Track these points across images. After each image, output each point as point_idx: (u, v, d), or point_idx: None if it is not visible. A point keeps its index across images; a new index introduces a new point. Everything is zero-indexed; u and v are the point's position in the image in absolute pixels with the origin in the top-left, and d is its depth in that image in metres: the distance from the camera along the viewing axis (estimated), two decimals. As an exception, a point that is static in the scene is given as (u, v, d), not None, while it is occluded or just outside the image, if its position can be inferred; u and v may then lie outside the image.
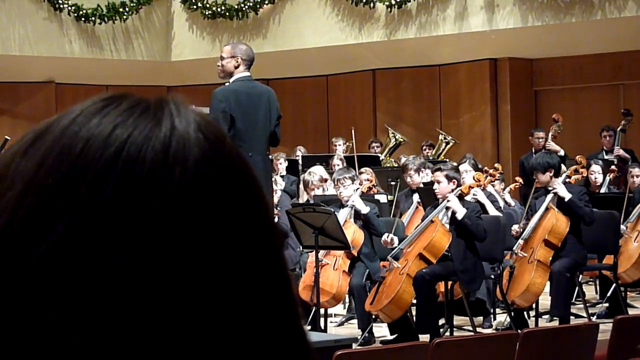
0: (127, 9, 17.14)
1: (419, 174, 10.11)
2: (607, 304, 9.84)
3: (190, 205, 0.76)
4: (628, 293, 10.44)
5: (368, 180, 10.35)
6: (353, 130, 14.31)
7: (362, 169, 11.03)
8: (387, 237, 8.94)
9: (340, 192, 9.15)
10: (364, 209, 9.04)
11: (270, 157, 8.57)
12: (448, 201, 8.70)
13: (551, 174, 9.17)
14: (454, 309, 8.86)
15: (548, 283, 9.12)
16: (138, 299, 0.74)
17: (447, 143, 15.26)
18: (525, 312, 9.41)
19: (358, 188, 9.30)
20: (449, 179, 8.78)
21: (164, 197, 0.75)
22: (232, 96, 7.65)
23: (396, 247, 8.95)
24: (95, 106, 0.79)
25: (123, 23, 17.25)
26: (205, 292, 0.76)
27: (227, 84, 7.99)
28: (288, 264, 0.85)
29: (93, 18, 16.91)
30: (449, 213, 8.74)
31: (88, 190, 0.75)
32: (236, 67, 7.79)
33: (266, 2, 16.98)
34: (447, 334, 8.55)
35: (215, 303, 0.77)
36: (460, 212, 8.63)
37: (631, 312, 9.77)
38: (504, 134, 16.49)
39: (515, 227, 9.30)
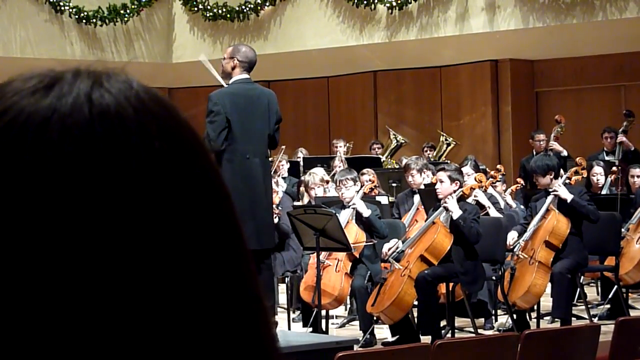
0: (128, 11, 17.14)
1: (421, 174, 10.09)
2: (608, 306, 9.84)
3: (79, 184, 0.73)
4: (630, 294, 10.43)
5: (370, 181, 10.34)
6: (330, 134, 14.41)
7: (364, 170, 11.01)
8: (388, 250, 8.94)
9: (342, 194, 9.15)
10: (366, 211, 9.02)
11: (270, 159, 8.55)
12: (445, 202, 8.70)
13: (551, 177, 9.16)
14: (456, 311, 8.85)
15: (549, 284, 9.11)
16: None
17: (449, 144, 15.26)
18: (526, 314, 9.41)
19: (359, 190, 9.28)
20: (452, 179, 8.78)
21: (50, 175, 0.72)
22: (227, 98, 7.63)
23: (398, 248, 8.94)
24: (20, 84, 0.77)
25: (124, 25, 17.25)
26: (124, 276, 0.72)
27: (226, 86, 7.99)
28: (250, 252, 0.77)
29: (94, 20, 16.91)
30: (449, 214, 8.74)
31: None
32: (233, 69, 7.77)
33: (267, 4, 16.98)
34: (449, 335, 8.54)
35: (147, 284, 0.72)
36: (456, 213, 8.63)
37: (633, 313, 9.77)
38: (505, 135, 16.48)
39: (509, 239, 9.26)
